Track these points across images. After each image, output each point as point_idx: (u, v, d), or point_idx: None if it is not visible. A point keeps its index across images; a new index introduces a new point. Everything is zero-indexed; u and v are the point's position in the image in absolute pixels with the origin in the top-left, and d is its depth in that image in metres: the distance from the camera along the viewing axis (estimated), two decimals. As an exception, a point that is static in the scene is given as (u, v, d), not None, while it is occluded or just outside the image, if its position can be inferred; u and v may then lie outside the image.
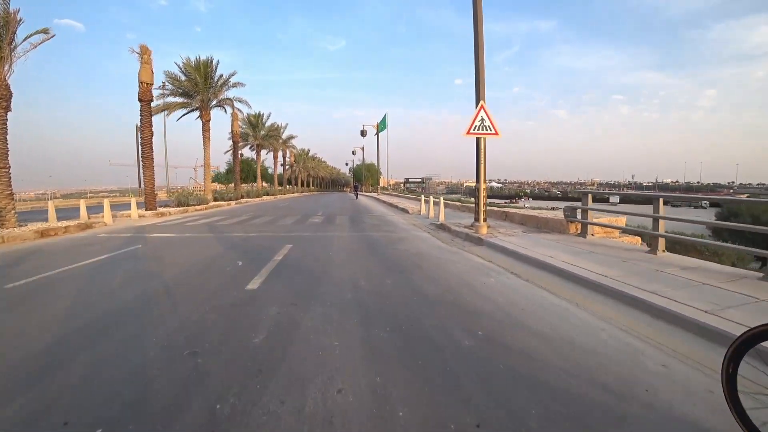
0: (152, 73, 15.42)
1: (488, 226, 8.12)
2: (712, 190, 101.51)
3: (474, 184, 8.84)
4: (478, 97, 8.58)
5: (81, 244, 7.44)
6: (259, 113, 35.95)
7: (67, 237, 8.66)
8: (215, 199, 22.57)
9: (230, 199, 23.56)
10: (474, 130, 8.02)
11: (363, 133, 34.71)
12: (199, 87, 20.01)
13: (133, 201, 12.83)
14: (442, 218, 11.21)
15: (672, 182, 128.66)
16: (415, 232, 9.18)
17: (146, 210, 15.03)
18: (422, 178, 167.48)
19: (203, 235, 8.58)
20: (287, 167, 52.97)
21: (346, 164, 68.81)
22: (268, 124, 37.21)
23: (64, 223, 9.91)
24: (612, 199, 78.66)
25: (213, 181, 59.70)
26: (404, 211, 15.65)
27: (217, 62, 20.93)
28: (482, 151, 8.81)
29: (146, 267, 5.32)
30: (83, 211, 12.70)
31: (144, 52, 15.25)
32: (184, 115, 23.08)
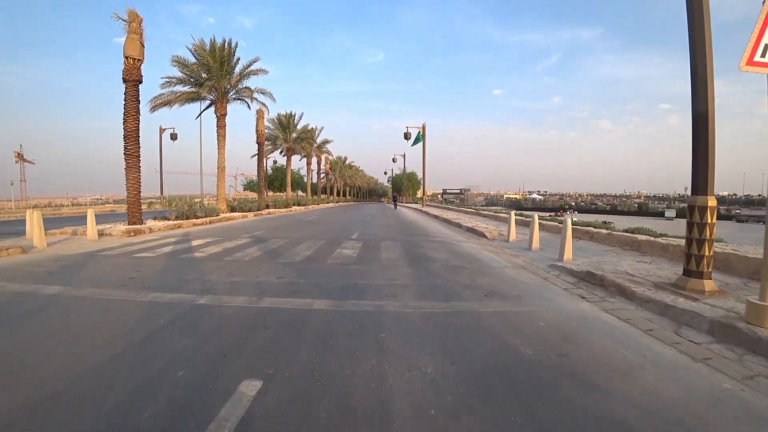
0: (142, 46, 11.80)
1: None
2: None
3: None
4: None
5: None
6: (291, 113, 32.39)
7: None
8: (232, 210, 18.80)
9: (249, 210, 19.74)
10: (761, 56, 3.05)
11: (406, 136, 30.16)
12: (213, 73, 16.35)
13: (90, 213, 8.98)
14: (567, 255, 6.26)
15: (729, 195, 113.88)
16: (568, 302, 4.17)
17: (128, 224, 11.32)
18: (460, 189, 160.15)
19: (110, 296, 4.25)
20: (322, 175, 49.53)
21: (385, 173, 64.96)
22: (300, 125, 33.61)
23: (-56, 252, 6.06)
24: (668, 214, 67.33)
25: (245, 189, 57.87)
26: (474, 232, 10.74)
27: (236, 45, 17.32)
28: (710, 122, 3.87)
29: None
30: (29, 228, 9.09)
31: (132, 20, 11.66)
32: (203, 110, 19.78)
